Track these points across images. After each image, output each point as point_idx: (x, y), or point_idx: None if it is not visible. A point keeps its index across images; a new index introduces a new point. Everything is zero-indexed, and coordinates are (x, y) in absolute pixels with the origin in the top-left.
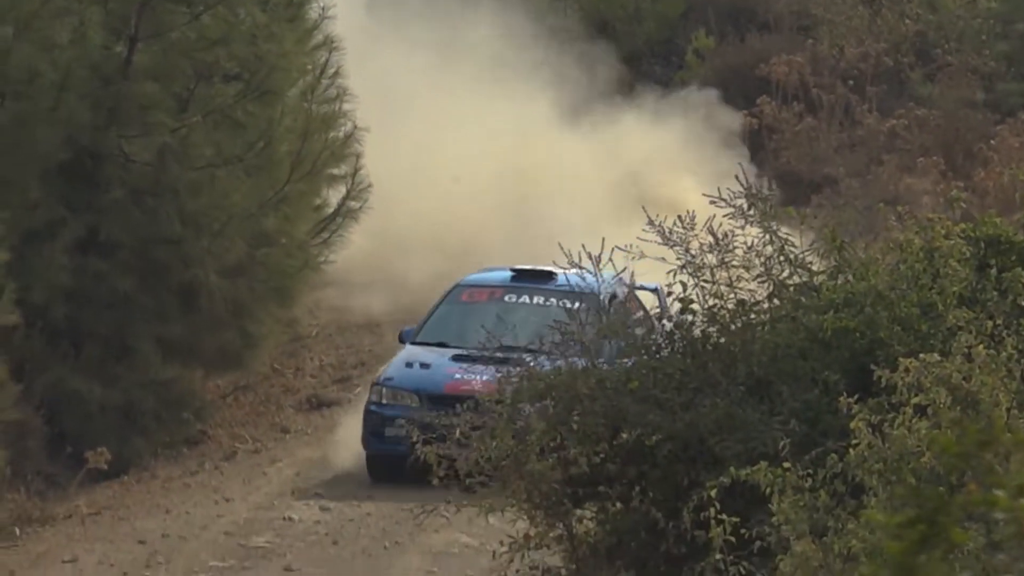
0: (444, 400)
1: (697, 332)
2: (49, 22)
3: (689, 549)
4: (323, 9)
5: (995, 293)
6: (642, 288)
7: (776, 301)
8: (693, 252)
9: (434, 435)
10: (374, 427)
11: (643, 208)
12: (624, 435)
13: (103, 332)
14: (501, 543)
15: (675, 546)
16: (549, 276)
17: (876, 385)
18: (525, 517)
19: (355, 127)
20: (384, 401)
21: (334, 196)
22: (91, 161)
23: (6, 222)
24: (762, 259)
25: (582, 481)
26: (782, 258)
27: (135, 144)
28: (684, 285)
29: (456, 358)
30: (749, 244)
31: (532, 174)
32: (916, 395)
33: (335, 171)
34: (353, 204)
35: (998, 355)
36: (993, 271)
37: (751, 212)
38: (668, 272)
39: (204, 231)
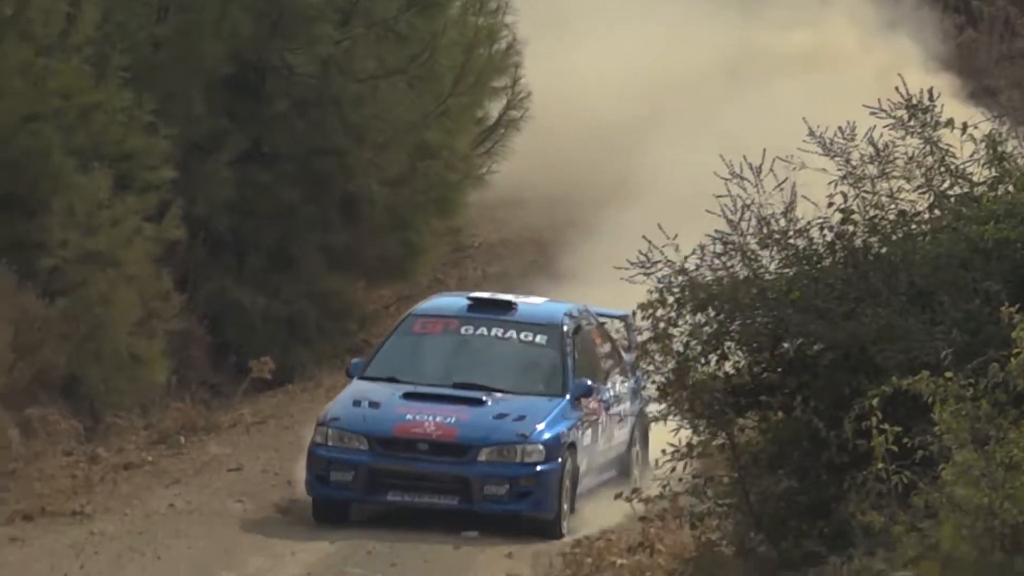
0: (394, 443)
1: (858, 242)
2: None
3: (851, 458)
4: None
5: None
6: (610, 316)
7: (937, 212)
8: (854, 163)
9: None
10: (319, 471)
11: (804, 119)
12: (786, 345)
13: (266, 243)
14: (663, 452)
15: (837, 455)
16: (508, 307)
17: None
18: (687, 425)
19: (515, 39)
20: (329, 443)
21: (495, 108)
22: (255, 74)
23: (172, 138)
24: (923, 170)
25: (744, 391)
26: (943, 169)
27: (299, 56)
28: (845, 196)
29: (407, 396)
30: (910, 155)
31: (693, 75)
32: None
33: (496, 84)
34: (514, 113)
35: None
36: None
37: (912, 123)
38: (829, 183)
39: (367, 142)
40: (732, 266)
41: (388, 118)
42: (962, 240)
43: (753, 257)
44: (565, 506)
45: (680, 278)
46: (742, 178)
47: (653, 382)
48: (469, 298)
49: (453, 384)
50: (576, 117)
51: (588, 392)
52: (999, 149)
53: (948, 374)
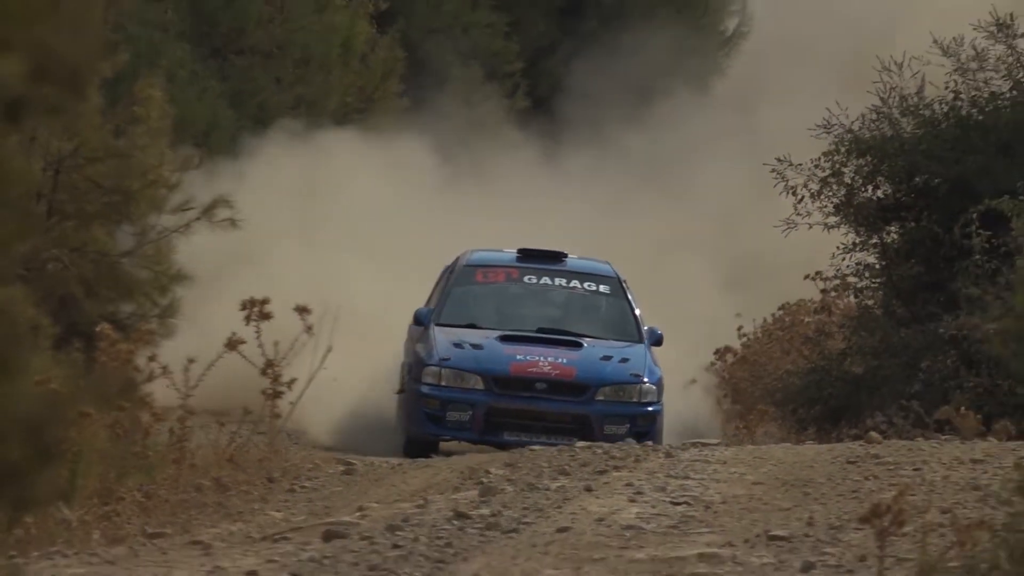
0: (511, 382)
1: (964, 112)
2: None
3: (959, 252)
4: None
5: None
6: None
7: (1015, 92)
8: (962, 60)
9: (507, 421)
10: (432, 411)
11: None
12: (917, 179)
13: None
14: (838, 248)
15: (950, 250)
16: (558, 257)
17: None
18: (852, 231)
19: None
20: (443, 383)
21: None
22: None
23: (521, 43)
24: (1006, 66)
25: (890, 208)
26: (1018, 65)
27: None
28: (956, 82)
29: (504, 339)
30: (998, 56)
31: None
32: None
33: None
34: None
35: None
36: None
37: (1000, 35)
38: (946, 74)
39: None
40: (883, 127)
41: None
42: None
43: (896, 122)
44: None
45: (848, 135)
46: (890, 69)
47: (831, 203)
48: (519, 251)
49: (537, 330)
50: None
51: (660, 340)
52: None
53: (1021, 197)
